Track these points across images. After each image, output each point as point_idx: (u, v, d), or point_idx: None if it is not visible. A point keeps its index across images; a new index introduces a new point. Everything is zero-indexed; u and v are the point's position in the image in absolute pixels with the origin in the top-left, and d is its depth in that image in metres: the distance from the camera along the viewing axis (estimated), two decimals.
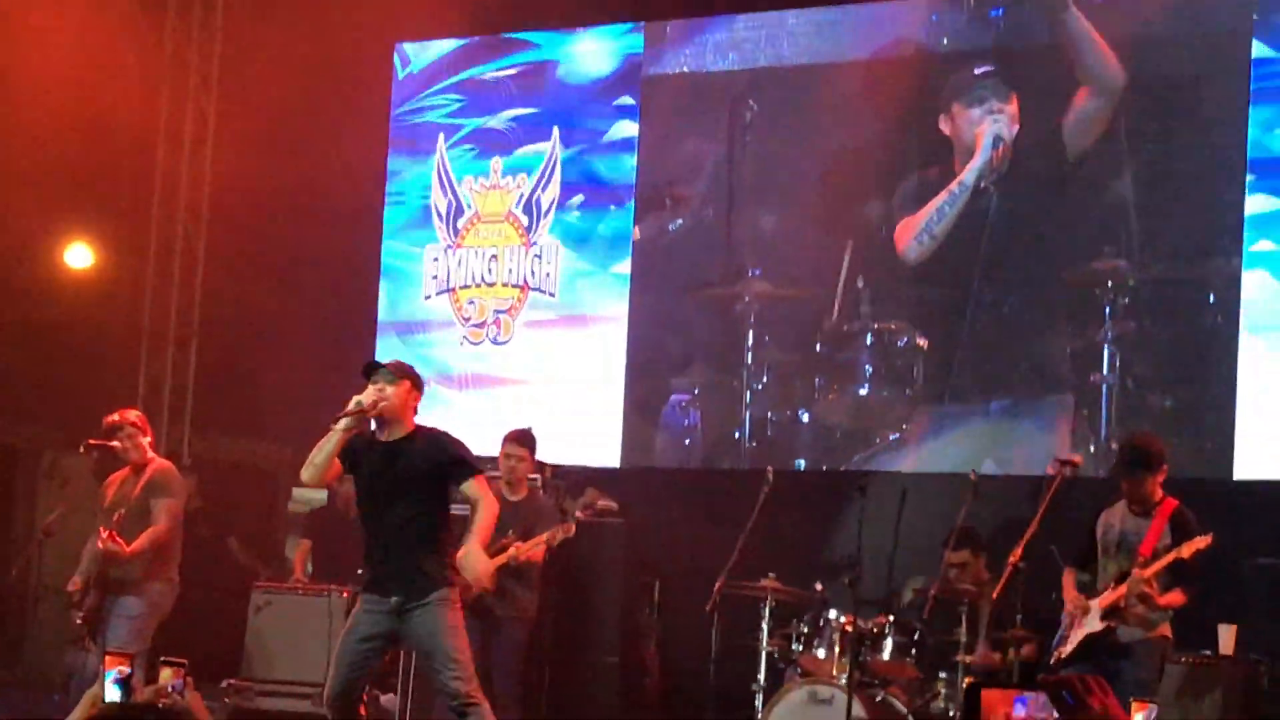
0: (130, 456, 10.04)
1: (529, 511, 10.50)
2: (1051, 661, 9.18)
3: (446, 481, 8.30)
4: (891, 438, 11.89)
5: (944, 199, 11.64)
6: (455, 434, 8.52)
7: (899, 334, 11.91)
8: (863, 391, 12.04)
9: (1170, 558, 8.79)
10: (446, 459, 8.32)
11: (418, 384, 8.41)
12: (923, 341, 11.84)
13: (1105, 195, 11.38)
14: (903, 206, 11.83)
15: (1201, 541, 8.75)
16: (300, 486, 14.27)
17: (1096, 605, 8.99)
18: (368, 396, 8.19)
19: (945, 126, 11.69)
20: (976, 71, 11.68)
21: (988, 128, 11.55)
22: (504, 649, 10.32)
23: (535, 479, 10.94)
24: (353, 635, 8.29)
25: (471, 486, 8.30)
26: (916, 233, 11.68)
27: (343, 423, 8.17)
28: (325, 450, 8.20)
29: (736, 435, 12.42)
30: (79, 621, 9.85)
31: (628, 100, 13.00)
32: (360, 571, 8.64)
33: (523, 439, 10.66)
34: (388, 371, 8.32)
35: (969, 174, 11.58)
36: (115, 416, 10.11)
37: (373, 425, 8.31)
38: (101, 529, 9.70)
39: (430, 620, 8.21)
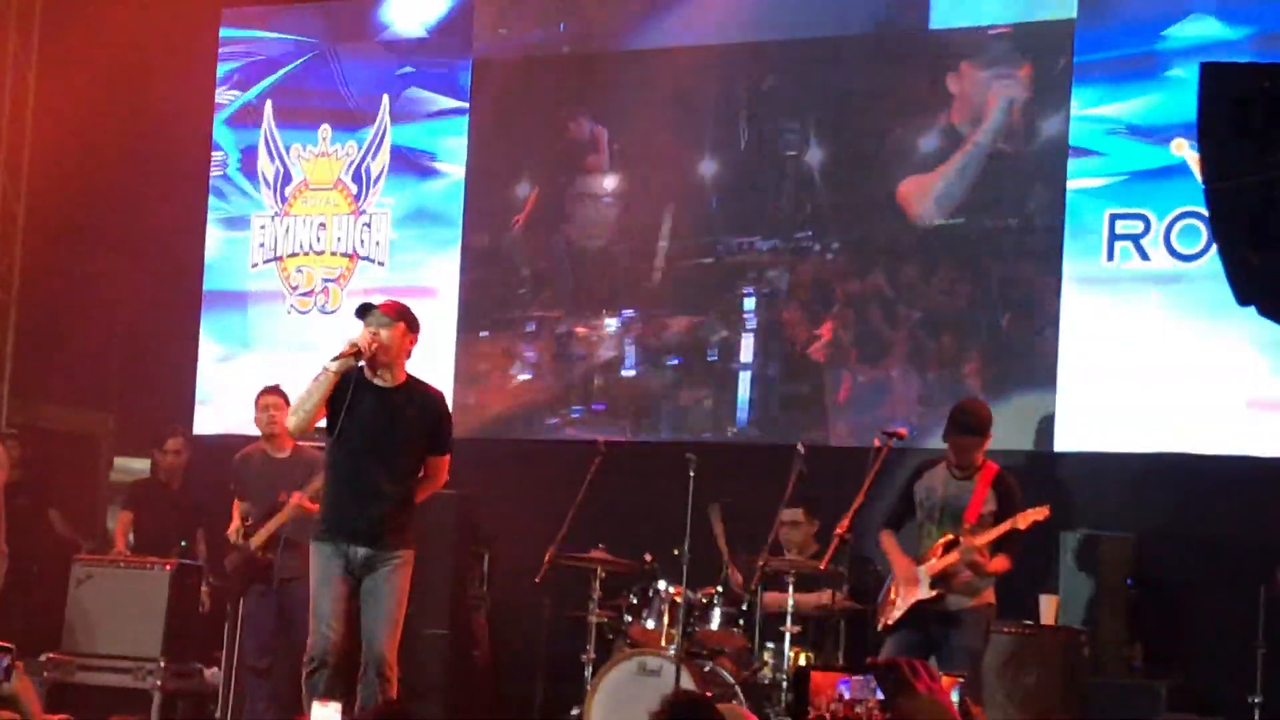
0: None
1: (298, 465, 10.34)
2: (880, 628, 9.28)
3: (430, 443, 8.20)
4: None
5: (959, 160, 11.50)
6: None
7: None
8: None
9: (1006, 527, 8.90)
10: (439, 419, 8.26)
11: (413, 326, 8.22)
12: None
13: None
14: (901, 165, 11.70)
15: (1039, 513, 8.88)
16: (121, 455, 14.11)
17: (925, 572, 9.08)
18: (362, 338, 7.99)
19: (953, 85, 11.56)
20: (991, 32, 11.52)
21: (1000, 90, 11.44)
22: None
23: None
24: (329, 587, 8.10)
25: (441, 461, 8.31)
26: (936, 195, 11.57)
27: (335, 365, 7.97)
28: (315, 395, 7.99)
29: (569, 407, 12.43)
30: None
31: (458, 68, 12.91)
32: (320, 515, 8.39)
33: (278, 390, 10.48)
34: (382, 313, 8.13)
35: (983, 135, 11.44)
36: None
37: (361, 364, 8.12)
38: None
39: (391, 578, 8.09)
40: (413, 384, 8.27)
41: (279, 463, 10.40)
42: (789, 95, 11.98)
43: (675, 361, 12.17)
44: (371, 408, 8.10)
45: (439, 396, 8.43)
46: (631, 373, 12.30)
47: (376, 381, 8.15)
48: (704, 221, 12.15)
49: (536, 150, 12.71)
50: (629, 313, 12.35)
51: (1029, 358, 11.18)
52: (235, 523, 10.47)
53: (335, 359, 8.02)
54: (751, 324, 11.96)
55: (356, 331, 8.16)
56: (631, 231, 12.35)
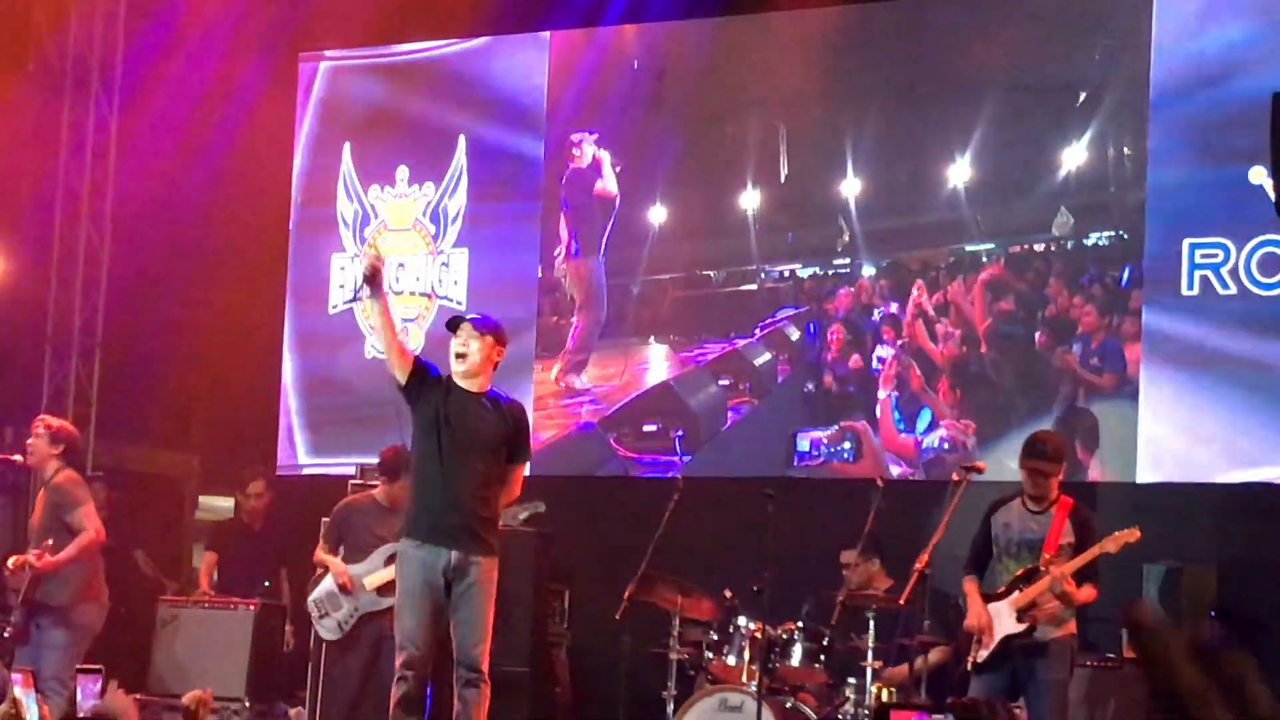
0: (30, 461, 9.84)
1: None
2: (969, 666, 9.23)
3: (511, 451, 8.39)
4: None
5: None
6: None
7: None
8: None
9: (1094, 552, 8.85)
10: (521, 431, 8.46)
11: (501, 339, 8.46)
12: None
13: None
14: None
15: (1129, 535, 8.83)
16: (206, 495, 14.25)
17: (1009, 605, 9.04)
18: (365, 255, 8.47)
19: None
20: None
21: None
22: None
23: None
24: (417, 589, 8.21)
25: (518, 469, 8.47)
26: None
27: (365, 293, 8.29)
28: (381, 332, 8.38)
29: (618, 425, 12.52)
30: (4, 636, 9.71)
31: (534, 109, 13.00)
32: (405, 520, 8.51)
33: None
34: (471, 325, 8.39)
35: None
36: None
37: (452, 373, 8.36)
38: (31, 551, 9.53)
39: (478, 584, 8.21)
40: (496, 395, 8.49)
41: (387, 511, 10.43)
42: (829, 127, 12.05)
43: (723, 383, 12.24)
44: (457, 411, 8.29)
45: (520, 408, 8.64)
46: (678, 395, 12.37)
47: (463, 385, 8.30)
48: (745, 250, 12.20)
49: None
50: (675, 337, 12.42)
51: (1108, 388, 11.12)
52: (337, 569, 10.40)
53: (358, 289, 8.39)
54: (795, 348, 12.05)
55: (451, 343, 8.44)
56: (676, 260, 12.43)
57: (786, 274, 12.13)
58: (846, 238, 11.91)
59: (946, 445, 11.50)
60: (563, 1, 12.89)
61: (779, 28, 12.31)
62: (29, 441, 9.83)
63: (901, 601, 9.34)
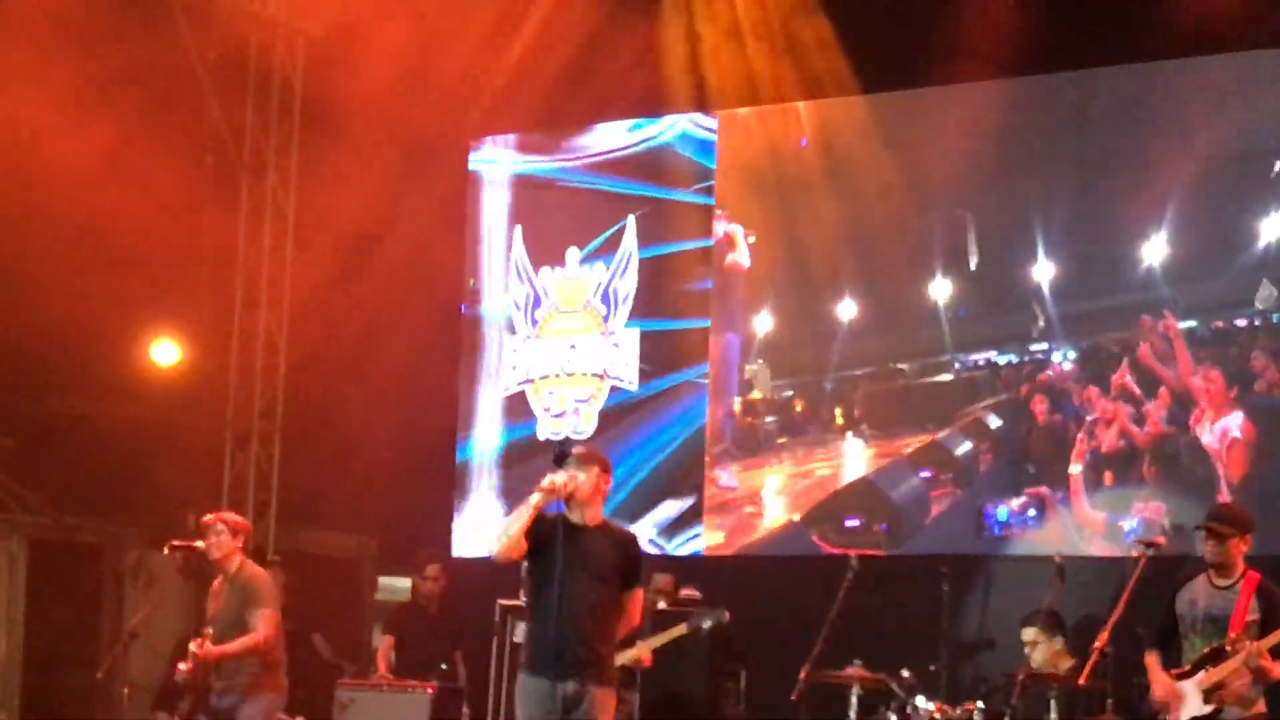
0: (214, 556, 9.98)
1: None
2: None
3: (625, 579, 8.41)
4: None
5: None
6: None
7: None
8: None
9: None
10: (633, 560, 8.45)
11: (606, 469, 8.50)
12: None
13: None
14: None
15: None
16: (384, 575, 14.36)
17: (1194, 685, 8.84)
18: (560, 478, 8.31)
19: None
20: None
21: None
22: None
23: None
24: (534, 718, 8.27)
25: (635, 595, 8.47)
26: None
27: (535, 498, 8.27)
28: (515, 525, 8.28)
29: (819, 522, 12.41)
30: None
31: (704, 193, 13.05)
32: (524, 653, 8.55)
33: None
34: (577, 457, 8.46)
35: None
36: (209, 517, 10.10)
37: (562, 507, 8.38)
38: (200, 636, 9.66)
39: (591, 714, 8.22)
40: (608, 525, 8.54)
41: None
42: (1014, 209, 11.95)
43: (924, 475, 12.07)
44: (570, 544, 8.32)
45: (632, 536, 8.69)
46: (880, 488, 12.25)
47: (574, 519, 8.37)
48: (938, 340, 12.12)
49: (776, 273, 12.78)
50: (870, 430, 12.33)
51: None
52: None
53: (536, 493, 8.27)
54: (995, 436, 11.89)
55: (557, 475, 8.40)
56: (866, 355, 12.37)
57: (983, 363, 12.04)
58: (1042, 323, 11.78)
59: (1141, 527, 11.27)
60: (729, 81, 12.91)
61: (950, 102, 12.23)
62: (210, 539, 9.93)
63: (1082, 681, 9.17)
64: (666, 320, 13.17)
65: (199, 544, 10.01)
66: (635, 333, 13.19)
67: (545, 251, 13.62)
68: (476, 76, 13.53)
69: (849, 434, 12.45)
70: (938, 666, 10.25)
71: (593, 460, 8.46)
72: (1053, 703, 9.56)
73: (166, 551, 10.21)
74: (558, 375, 13.47)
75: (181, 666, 9.83)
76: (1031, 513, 11.65)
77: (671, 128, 13.27)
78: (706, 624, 10.52)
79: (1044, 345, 11.80)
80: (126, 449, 13.84)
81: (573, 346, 13.43)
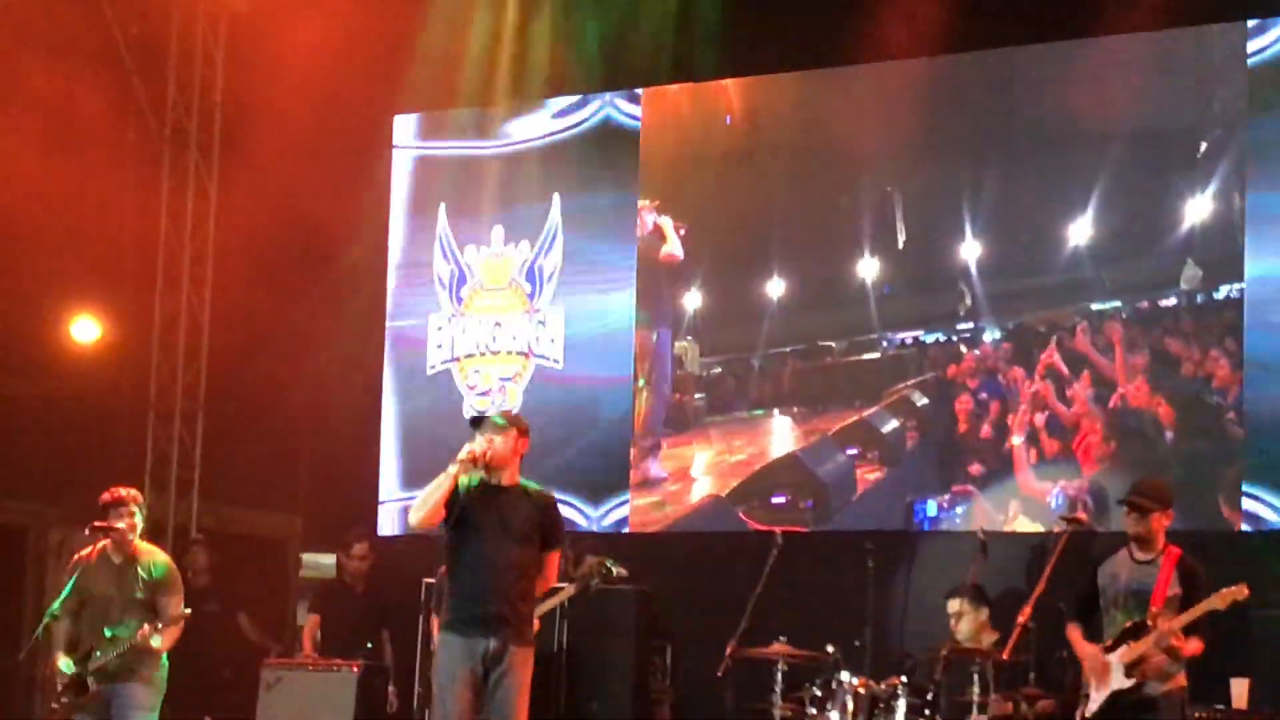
0: (127, 538, 9.83)
1: None
2: None
3: (544, 539, 8.50)
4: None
5: None
6: None
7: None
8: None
9: (1204, 608, 8.72)
10: (552, 521, 8.58)
11: (524, 431, 8.62)
12: None
13: None
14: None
15: (1238, 592, 8.70)
16: (308, 552, 14.32)
17: (1117, 660, 8.93)
18: (478, 445, 8.42)
19: None
20: None
21: None
22: None
23: None
24: (454, 684, 8.31)
25: (553, 556, 8.60)
26: None
27: (453, 467, 8.38)
28: (438, 493, 8.38)
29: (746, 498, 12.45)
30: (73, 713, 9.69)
31: (624, 165, 13.05)
32: (444, 611, 8.64)
33: None
34: (494, 421, 8.56)
35: None
36: (118, 492, 9.90)
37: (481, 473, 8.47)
38: (146, 626, 9.52)
39: (513, 673, 8.32)
40: (526, 487, 8.61)
41: None
42: (943, 187, 12.00)
43: (851, 452, 12.15)
44: (488, 504, 8.45)
45: (551, 498, 8.77)
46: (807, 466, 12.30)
47: (492, 481, 8.49)
48: (866, 318, 12.18)
49: (703, 252, 12.81)
50: (799, 409, 12.37)
51: (1214, 436, 10.99)
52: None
53: (454, 463, 8.32)
54: (922, 414, 11.95)
55: (474, 440, 8.50)
56: (795, 332, 12.41)
57: (910, 341, 12.06)
58: (969, 301, 11.82)
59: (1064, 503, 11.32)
60: (655, 57, 12.90)
61: (876, 79, 12.26)
62: (127, 519, 9.78)
63: (1005, 655, 9.26)
64: (592, 304, 13.15)
65: (121, 525, 9.86)
66: (560, 310, 13.18)
67: (470, 229, 13.58)
68: (400, 52, 13.44)
69: (776, 411, 12.46)
70: (862, 642, 10.30)
71: (510, 424, 8.58)
72: (976, 676, 9.65)
73: (87, 533, 10.07)
74: (483, 353, 13.45)
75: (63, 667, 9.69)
76: (959, 509, 11.69)
77: (596, 114, 13.23)
78: (594, 582, 10.56)
79: (970, 324, 11.84)
80: (48, 427, 13.74)
81: (498, 324, 13.41)
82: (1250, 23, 11.09)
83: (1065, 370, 11.46)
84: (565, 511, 11.96)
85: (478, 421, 8.61)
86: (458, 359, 13.52)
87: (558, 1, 13.29)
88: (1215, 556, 9.35)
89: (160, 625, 9.45)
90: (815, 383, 12.37)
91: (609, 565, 10.63)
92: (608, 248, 13.10)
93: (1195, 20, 11.28)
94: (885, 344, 12.14)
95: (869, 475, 12.06)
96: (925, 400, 11.96)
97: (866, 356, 12.21)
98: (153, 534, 11.94)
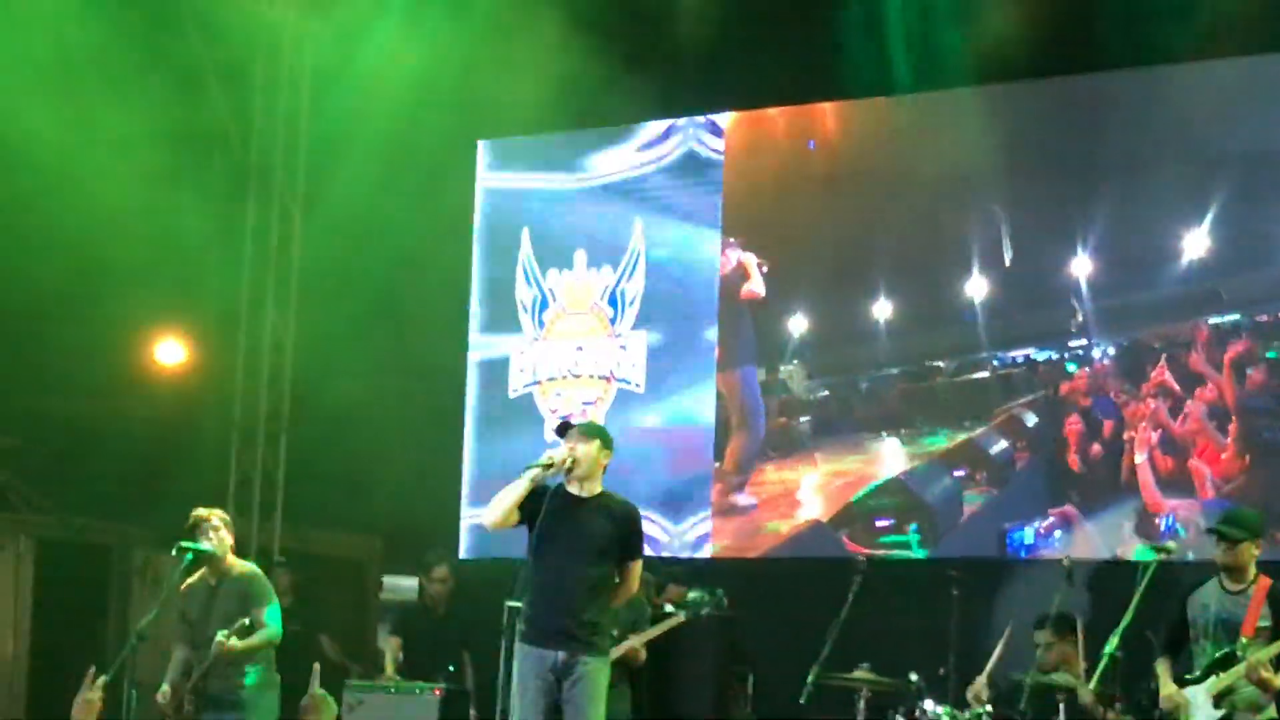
0: (220, 553, 9.92)
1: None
2: None
3: (623, 550, 8.49)
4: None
5: None
6: None
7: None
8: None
9: None
10: (632, 533, 8.55)
11: (608, 443, 8.61)
12: None
13: None
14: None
15: None
16: (390, 575, 14.37)
17: (1205, 691, 8.84)
18: (559, 452, 8.43)
19: None
20: None
21: None
22: None
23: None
24: (528, 693, 8.36)
25: (633, 566, 8.57)
26: None
27: (532, 472, 8.40)
28: (509, 497, 8.42)
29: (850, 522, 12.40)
30: None
31: (711, 190, 13.03)
32: (520, 621, 8.66)
33: None
34: (579, 430, 8.58)
35: None
36: (200, 512, 10.00)
37: (561, 479, 8.49)
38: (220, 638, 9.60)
39: (587, 683, 8.33)
40: (608, 496, 8.58)
41: None
42: (1052, 206, 11.90)
43: (958, 474, 12.06)
44: (568, 514, 8.45)
45: (632, 509, 8.70)
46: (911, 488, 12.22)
47: (573, 491, 8.45)
48: (974, 337, 12.08)
49: (804, 276, 12.77)
50: (906, 431, 12.28)
51: None
52: None
53: (533, 466, 8.34)
54: (1032, 434, 11.83)
55: (556, 449, 8.54)
56: (902, 353, 12.34)
57: (1020, 359, 11.97)
58: (1080, 317, 11.70)
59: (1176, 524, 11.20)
60: (739, 83, 12.89)
61: (966, 103, 12.18)
62: (211, 536, 9.87)
63: (1091, 685, 9.17)
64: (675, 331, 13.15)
65: (207, 546, 9.94)
66: (643, 335, 13.18)
67: (553, 254, 13.61)
68: (483, 77, 13.49)
69: (883, 433, 12.37)
70: (946, 670, 10.22)
71: (594, 434, 8.60)
72: (1062, 706, 9.56)
73: (175, 552, 10.15)
74: (564, 377, 13.47)
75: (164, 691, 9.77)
76: (1058, 534, 11.58)
77: (679, 147, 13.23)
78: (704, 610, 10.52)
79: (1083, 341, 11.70)
80: (134, 449, 13.85)
81: (580, 348, 13.43)
82: None
83: (1178, 388, 11.31)
84: (645, 527, 12.12)
85: (564, 429, 8.62)
86: (540, 382, 13.55)
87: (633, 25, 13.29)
88: None
89: (229, 635, 9.49)
90: (924, 403, 12.28)
91: (719, 594, 10.57)
92: (688, 277, 13.09)
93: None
94: (996, 363, 12.02)
95: (977, 497, 11.94)
96: (1035, 419, 11.84)
97: (976, 376, 12.09)
98: (236, 556, 12.04)
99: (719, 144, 13.08)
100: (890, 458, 12.35)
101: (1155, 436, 11.37)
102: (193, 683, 9.61)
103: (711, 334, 12.99)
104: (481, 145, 14.04)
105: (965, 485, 12.01)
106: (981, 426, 12.01)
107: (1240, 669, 8.71)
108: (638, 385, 13.16)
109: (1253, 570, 8.94)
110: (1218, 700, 8.78)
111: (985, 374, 12.06)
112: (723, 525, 12.71)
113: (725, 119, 13.10)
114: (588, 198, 13.56)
